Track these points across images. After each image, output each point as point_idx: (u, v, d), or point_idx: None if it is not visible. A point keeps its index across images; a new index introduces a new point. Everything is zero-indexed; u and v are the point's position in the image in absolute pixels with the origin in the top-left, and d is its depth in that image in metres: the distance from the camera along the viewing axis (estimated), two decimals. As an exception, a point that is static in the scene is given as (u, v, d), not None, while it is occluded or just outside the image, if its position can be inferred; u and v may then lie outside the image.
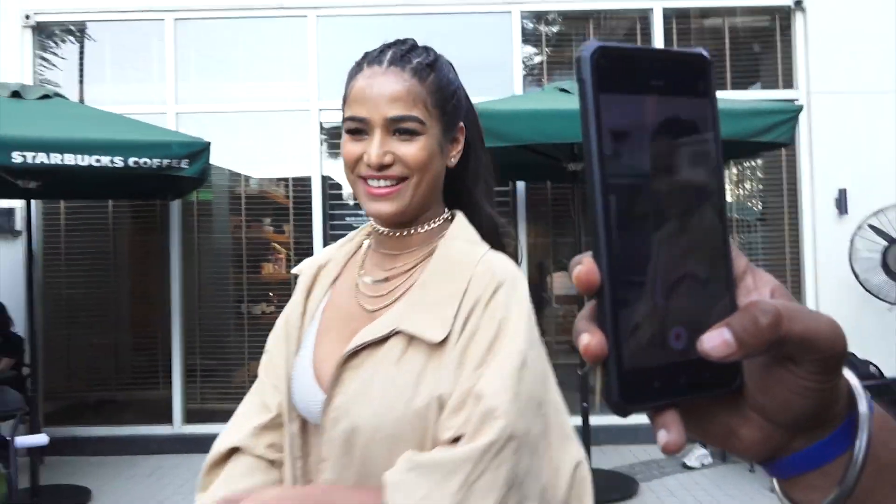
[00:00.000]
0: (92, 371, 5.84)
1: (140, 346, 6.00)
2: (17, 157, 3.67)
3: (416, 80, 0.97)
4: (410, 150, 0.96)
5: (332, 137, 5.85)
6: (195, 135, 4.40)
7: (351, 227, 5.86)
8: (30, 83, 5.21)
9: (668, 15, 5.77)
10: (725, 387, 0.37)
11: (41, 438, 3.70)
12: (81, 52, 5.95)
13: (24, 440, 3.69)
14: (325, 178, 5.79)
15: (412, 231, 1.03)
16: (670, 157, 0.36)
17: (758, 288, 0.39)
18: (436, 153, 0.99)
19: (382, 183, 0.98)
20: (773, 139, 4.15)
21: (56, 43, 5.93)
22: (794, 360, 0.36)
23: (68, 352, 5.77)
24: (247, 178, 5.96)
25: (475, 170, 1.09)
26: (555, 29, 6.13)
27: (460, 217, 1.05)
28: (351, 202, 5.82)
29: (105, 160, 3.85)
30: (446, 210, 1.07)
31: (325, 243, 5.73)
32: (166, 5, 5.68)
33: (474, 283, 0.94)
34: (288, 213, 5.88)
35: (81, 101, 5.70)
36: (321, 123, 5.75)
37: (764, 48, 5.97)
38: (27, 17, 5.63)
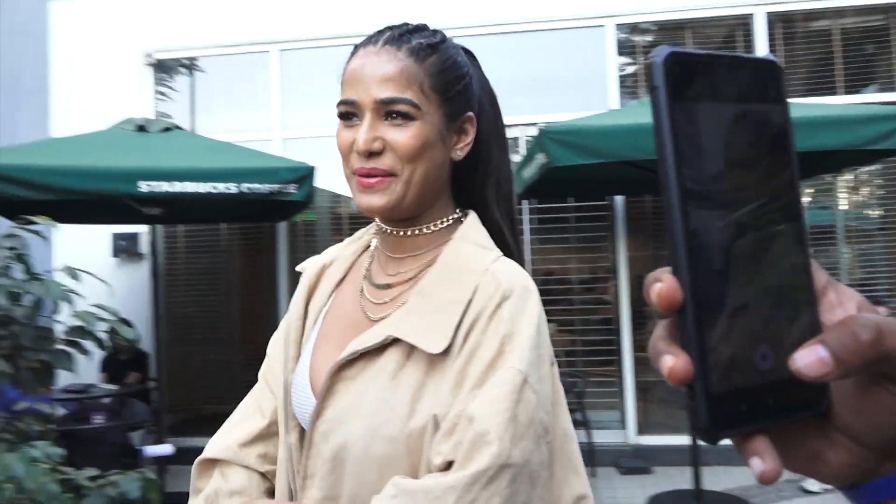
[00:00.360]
0: (208, 385, 6.17)
1: (250, 362, 6.28)
2: (143, 187, 3.95)
3: (411, 59, 0.88)
4: (402, 136, 0.86)
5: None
6: (300, 159, 4.60)
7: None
8: (151, 117, 5.62)
9: (772, 20, 5.56)
10: (813, 409, 0.35)
11: (167, 448, 3.95)
12: (193, 86, 6.37)
13: (152, 450, 3.95)
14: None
15: (417, 231, 0.94)
16: (746, 166, 0.35)
17: (842, 303, 0.37)
18: (433, 142, 0.88)
19: (376, 173, 0.87)
20: (891, 146, 3.90)
21: (171, 77, 6.37)
22: (892, 379, 0.34)
23: (187, 367, 6.12)
24: (348, 199, 6.17)
25: (485, 167, 0.98)
26: (650, 39, 6.02)
27: (472, 218, 0.95)
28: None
29: (221, 187, 4.10)
30: (457, 210, 0.97)
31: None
32: (271, 38, 5.99)
33: (480, 292, 0.84)
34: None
35: (194, 130, 6.09)
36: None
37: (878, 49, 5.64)
38: (148, 55, 6.08)
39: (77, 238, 5.33)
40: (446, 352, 0.82)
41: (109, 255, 5.92)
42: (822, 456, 0.36)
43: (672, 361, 0.33)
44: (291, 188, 4.21)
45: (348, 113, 0.89)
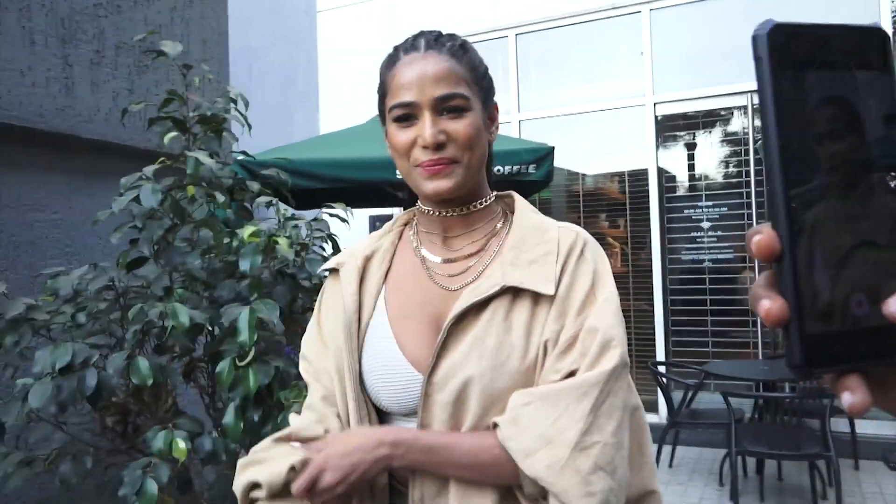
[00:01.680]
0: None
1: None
2: (399, 174, 4.37)
3: (454, 59, 0.98)
4: (461, 126, 0.96)
5: (666, 130, 5.77)
6: (536, 139, 4.73)
7: (689, 219, 5.68)
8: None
9: None
10: None
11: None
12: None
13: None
14: (661, 171, 5.74)
15: (468, 209, 1.04)
16: (849, 130, 0.37)
17: None
18: (482, 129, 1.00)
19: (443, 161, 0.96)
20: None
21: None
22: None
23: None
24: (583, 176, 6.20)
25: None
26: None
27: (518, 195, 1.09)
28: (686, 194, 5.67)
29: (464, 170, 4.37)
30: (492, 190, 1.08)
31: (663, 236, 5.68)
32: (508, 23, 6.20)
33: (562, 242, 0.98)
34: (624, 207, 5.96)
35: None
36: (656, 117, 5.72)
37: None
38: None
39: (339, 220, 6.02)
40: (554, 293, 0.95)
41: (367, 234, 6.61)
42: None
43: (769, 304, 0.36)
44: (531, 168, 4.37)
45: (406, 115, 0.97)
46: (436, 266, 1.03)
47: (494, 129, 1.06)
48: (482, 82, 1.02)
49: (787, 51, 0.36)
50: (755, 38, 0.36)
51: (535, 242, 0.99)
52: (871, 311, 0.36)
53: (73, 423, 2.06)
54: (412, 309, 1.01)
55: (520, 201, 1.08)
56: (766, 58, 0.35)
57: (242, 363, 1.89)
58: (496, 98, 1.08)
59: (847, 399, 0.36)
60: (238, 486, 0.94)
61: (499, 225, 1.05)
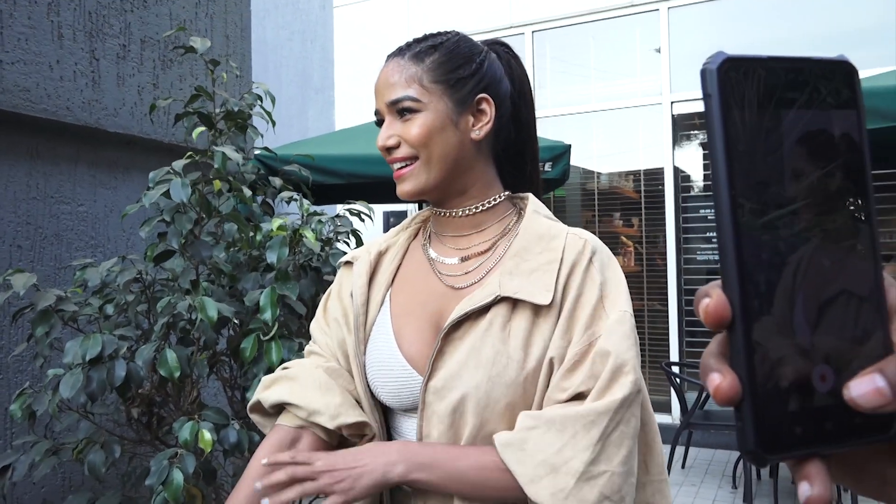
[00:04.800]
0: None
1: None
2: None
3: (412, 62, 0.99)
4: (410, 128, 0.97)
5: (682, 129, 5.76)
6: (553, 137, 4.74)
7: (705, 219, 5.68)
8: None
9: None
10: (879, 435, 0.32)
11: None
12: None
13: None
14: (676, 170, 5.73)
15: (469, 211, 1.03)
16: (811, 175, 0.32)
17: None
18: (441, 126, 0.98)
19: (398, 165, 1.00)
20: None
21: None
22: None
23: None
24: (598, 174, 6.19)
25: (532, 153, 1.09)
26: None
27: (533, 197, 1.06)
28: (702, 193, 5.66)
29: (481, 167, 4.38)
30: (504, 190, 1.06)
31: (678, 235, 5.67)
32: (524, 20, 6.19)
33: (568, 250, 0.96)
34: (639, 206, 5.96)
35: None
36: (673, 116, 5.70)
37: None
38: (414, 48, 6.64)
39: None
40: (550, 303, 0.92)
41: (382, 231, 6.65)
42: (894, 482, 0.34)
43: (719, 380, 0.31)
44: (547, 166, 4.36)
45: (380, 121, 1.02)
46: (441, 265, 1.04)
47: (482, 125, 1.01)
48: (449, 78, 0.99)
49: (740, 87, 0.32)
50: (704, 73, 0.32)
51: (538, 251, 0.97)
52: (836, 386, 0.31)
53: (98, 414, 2.09)
54: (414, 307, 1.02)
55: (532, 205, 1.04)
56: (717, 94, 0.32)
57: (266, 338, 1.94)
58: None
59: (804, 491, 0.31)
60: (271, 399, 1.02)
61: (510, 225, 1.04)
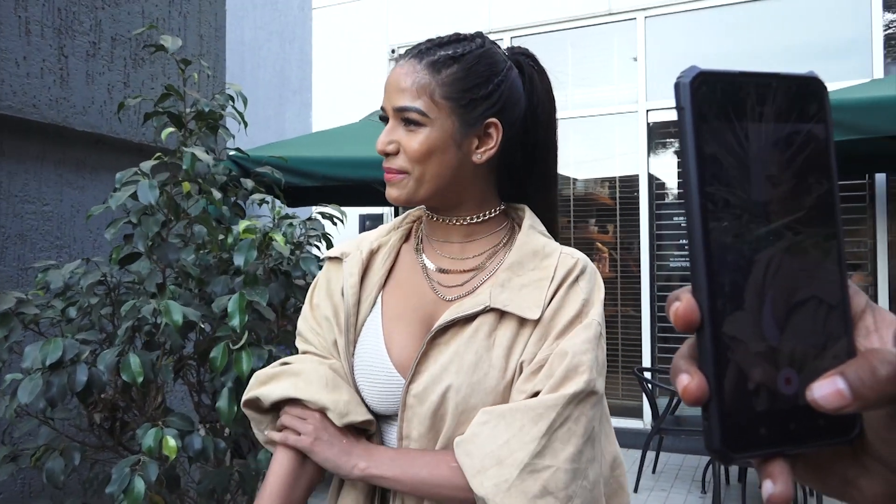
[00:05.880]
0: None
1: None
2: (390, 173, 4.37)
3: (427, 71, 0.95)
4: (411, 141, 0.95)
5: (658, 137, 5.81)
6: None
7: (679, 227, 5.73)
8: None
9: None
10: (842, 437, 0.34)
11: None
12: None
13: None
14: (651, 177, 5.78)
15: (463, 221, 1.02)
16: (779, 186, 0.34)
17: (878, 329, 0.35)
18: (443, 146, 0.95)
19: (392, 170, 0.97)
20: None
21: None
22: None
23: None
24: (574, 181, 6.22)
25: (544, 173, 1.06)
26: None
27: (530, 211, 1.05)
28: (676, 201, 5.71)
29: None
30: (502, 203, 1.05)
31: (652, 242, 5.71)
32: (503, 26, 6.21)
33: (559, 268, 0.96)
34: (614, 213, 6.00)
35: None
36: (649, 124, 5.75)
37: None
38: (392, 51, 6.63)
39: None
40: (538, 318, 0.93)
41: (357, 234, 6.61)
42: (856, 483, 0.35)
43: (687, 381, 0.32)
44: (521, 172, 4.38)
45: (384, 118, 1.00)
46: (433, 272, 1.03)
47: (485, 150, 0.98)
48: (461, 98, 0.95)
49: (712, 100, 0.33)
50: (677, 86, 0.33)
51: (531, 267, 0.97)
52: (800, 389, 0.33)
53: (59, 419, 2.04)
54: (406, 312, 1.01)
55: (528, 220, 1.03)
56: (689, 108, 0.33)
57: (236, 347, 1.90)
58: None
59: (767, 489, 0.32)
60: (272, 395, 1.00)
61: (503, 242, 1.03)
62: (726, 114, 0.33)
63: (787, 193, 0.34)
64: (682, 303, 0.33)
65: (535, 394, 0.90)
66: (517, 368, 0.93)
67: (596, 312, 0.95)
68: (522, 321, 0.94)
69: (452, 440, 0.92)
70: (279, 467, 0.99)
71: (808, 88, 0.35)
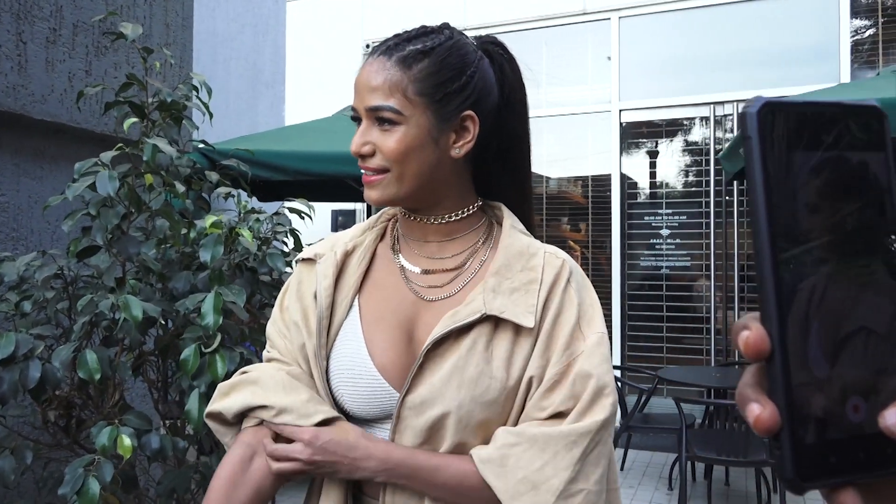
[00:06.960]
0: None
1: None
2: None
3: (398, 68, 0.92)
4: (387, 140, 0.92)
5: (630, 137, 5.84)
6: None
7: (649, 226, 5.77)
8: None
9: None
10: None
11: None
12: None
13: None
14: (623, 177, 5.81)
15: (441, 220, 1.00)
16: (843, 214, 0.34)
17: None
18: (420, 143, 0.93)
19: (369, 172, 0.95)
20: None
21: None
22: None
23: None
24: (547, 179, 6.23)
25: (520, 166, 1.05)
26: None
27: (507, 209, 1.03)
28: (647, 201, 5.75)
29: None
30: (479, 199, 1.03)
31: (623, 241, 5.75)
32: (478, 23, 6.19)
33: (547, 270, 0.96)
34: (586, 211, 6.02)
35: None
36: (621, 123, 5.78)
37: None
38: (367, 46, 6.57)
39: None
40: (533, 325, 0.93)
41: (329, 229, 6.56)
42: None
43: (759, 410, 0.32)
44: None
45: (355, 118, 0.96)
46: (411, 273, 1.01)
47: (463, 143, 0.96)
48: (435, 93, 0.93)
49: (777, 129, 0.34)
50: (743, 116, 0.34)
51: (519, 269, 0.96)
52: (869, 416, 0.33)
53: (11, 416, 1.97)
54: (385, 314, 0.99)
55: (507, 219, 1.01)
56: (756, 137, 0.33)
57: (208, 350, 1.84)
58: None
59: None
60: (234, 407, 0.98)
61: (481, 240, 1.02)
62: (791, 143, 0.34)
63: (851, 221, 0.34)
64: (753, 332, 0.33)
65: (559, 413, 0.90)
66: (522, 380, 0.92)
67: (601, 324, 0.96)
68: (518, 328, 0.93)
69: (453, 452, 0.92)
70: (221, 469, 0.96)
71: (869, 117, 0.36)
